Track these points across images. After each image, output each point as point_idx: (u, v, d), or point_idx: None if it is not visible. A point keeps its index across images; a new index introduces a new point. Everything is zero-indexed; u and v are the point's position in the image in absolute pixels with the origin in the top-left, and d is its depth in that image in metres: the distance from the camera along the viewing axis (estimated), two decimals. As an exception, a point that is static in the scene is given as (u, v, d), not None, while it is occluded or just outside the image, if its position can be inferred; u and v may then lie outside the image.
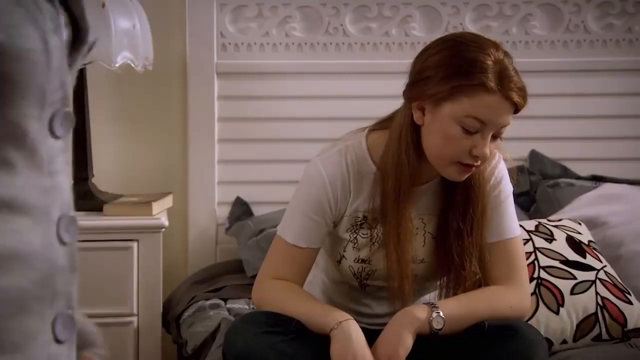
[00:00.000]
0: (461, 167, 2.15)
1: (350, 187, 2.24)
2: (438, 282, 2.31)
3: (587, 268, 2.68)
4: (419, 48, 2.25)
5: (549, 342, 2.54)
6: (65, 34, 1.07)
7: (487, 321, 2.19)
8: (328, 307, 2.24)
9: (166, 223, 3.14)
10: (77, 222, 1.10)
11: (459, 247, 2.23)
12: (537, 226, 2.77)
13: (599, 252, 2.77)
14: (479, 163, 2.15)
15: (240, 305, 2.98)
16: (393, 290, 2.24)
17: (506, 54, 2.14)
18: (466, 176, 2.18)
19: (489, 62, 2.09)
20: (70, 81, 1.08)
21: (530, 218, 3.11)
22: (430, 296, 2.36)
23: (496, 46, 2.14)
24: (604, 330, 2.60)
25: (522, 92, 2.11)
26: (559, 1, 3.50)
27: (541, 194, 3.36)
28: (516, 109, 2.13)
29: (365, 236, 2.26)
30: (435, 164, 2.17)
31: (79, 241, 1.23)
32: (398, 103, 2.25)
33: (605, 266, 2.72)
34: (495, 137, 2.14)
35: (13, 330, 0.99)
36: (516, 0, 3.49)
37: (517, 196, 2.86)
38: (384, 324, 2.20)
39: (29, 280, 1.01)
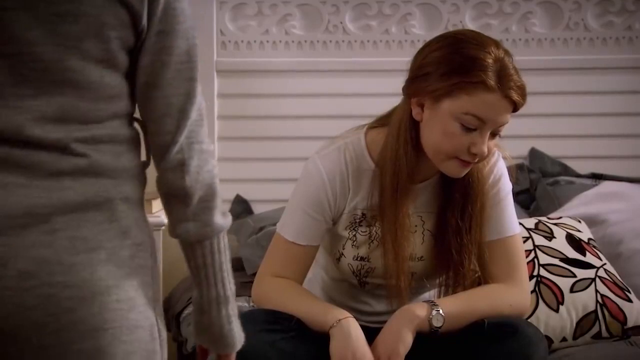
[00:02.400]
0: (459, 162, 2.15)
1: (349, 184, 2.24)
2: (437, 281, 2.31)
3: (587, 266, 2.68)
4: (419, 46, 2.25)
5: (549, 340, 2.54)
6: None
7: (487, 319, 2.19)
8: (327, 305, 2.24)
9: (166, 221, 3.13)
10: None
11: (457, 244, 2.23)
12: (536, 224, 2.77)
13: (598, 250, 2.77)
14: (476, 160, 2.15)
15: (240, 303, 2.97)
16: (391, 288, 2.24)
17: (507, 52, 2.14)
18: (464, 172, 2.18)
19: (490, 60, 2.09)
20: None
21: (530, 216, 3.11)
22: (430, 294, 2.36)
23: (497, 44, 2.14)
24: (603, 328, 2.60)
25: (522, 91, 2.12)
26: (559, -1, 3.51)
27: (541, 191, 3.36)
28: (515, 107, 2.13)
29: (364, 234, 2.26)
30: (433, 160, 2.17)
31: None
32: (398, 101, 2.25)
33: (605, 264, 2.72)
34: (493, 135, 2.15)
35: None
36: (516, -2, 3.50)
37: (517, 194, 2.86)
38: (384, 322, 2.20)
39: None
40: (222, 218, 1.62)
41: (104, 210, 1.50)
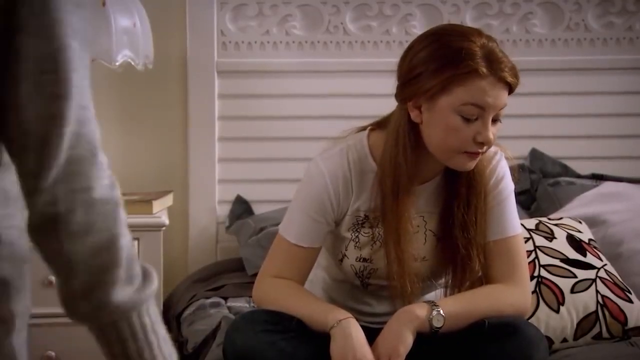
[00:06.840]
0: (467, 155, 2.15)
1: (352, 186, 2.24)
2: (441, 280, 2.31)
3: (588, 266, 2.68)
4: (420, 46, 2.25)
5: (550, 340, 2.54)
6: None
7: (488, 319, 2.19)
8: (328, 305, 2.24)
9: (166, 221, 3.14)
10: None
11: (465, 239, 2.23)
12: (537, 225, 2.77)
13: (599, 251, 2.77)
14: (484, 149, 2.16)
15: (241, 304, 2.98)
16: (395, 289, 2.24)
17: (490, 38, 2.16)
18: (474, 164, 2.18)
19: (476, 48, 2.11)
20: None
21: (531, 216, 3.11)
22: (436, 294, 2.35)
23: (479, 32, 2.16)
24: (604, 328, 2.60)
25: (513, 71, 2.13)
26: (559, -1, 3.51)
27: (542, 192, 3.36)
28: (510, 88, 2.14)
29: (366, 235, 2.26)
30: (441, 158, 2.17)
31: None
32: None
33: (605, 264, 2.72)
34: (494, 121, 2.15)
35: None
36: (517, -2, 3.50)
37: (517, 194, 2.86)
38: (385, 323, 2.20)
39: None
40: (129, 290, 1.21)
41: None
